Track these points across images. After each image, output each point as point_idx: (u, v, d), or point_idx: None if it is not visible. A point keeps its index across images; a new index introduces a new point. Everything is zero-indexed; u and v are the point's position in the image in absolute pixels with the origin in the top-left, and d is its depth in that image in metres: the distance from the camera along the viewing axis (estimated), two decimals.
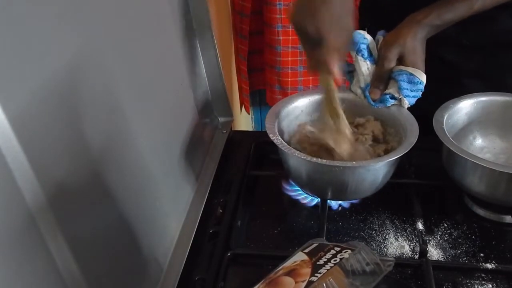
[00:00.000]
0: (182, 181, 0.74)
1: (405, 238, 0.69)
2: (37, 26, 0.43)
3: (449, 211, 0.74)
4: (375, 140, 0.74)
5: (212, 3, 1.24)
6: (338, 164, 0.65)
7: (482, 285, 0.62)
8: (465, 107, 0.76)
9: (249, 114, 1.73)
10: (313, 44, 0.64)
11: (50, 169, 0.43)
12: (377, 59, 0.73)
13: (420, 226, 0.68)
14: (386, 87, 0.73)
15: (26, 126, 0.40)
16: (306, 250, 0.57)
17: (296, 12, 0.66)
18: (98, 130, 0.52)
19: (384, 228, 0.71)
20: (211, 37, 0.85)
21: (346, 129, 0.70)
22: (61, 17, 0.47)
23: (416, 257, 0.66)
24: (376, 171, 0.67)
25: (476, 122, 0.78)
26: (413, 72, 0.70)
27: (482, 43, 0.83)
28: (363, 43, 0.72)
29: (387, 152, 0.71)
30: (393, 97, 0.72)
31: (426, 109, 0.71)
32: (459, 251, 0.67)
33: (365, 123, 0.75)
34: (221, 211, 0.74)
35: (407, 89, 0.71)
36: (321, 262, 0.54)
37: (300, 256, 0.56)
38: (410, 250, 0.68)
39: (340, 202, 0.74)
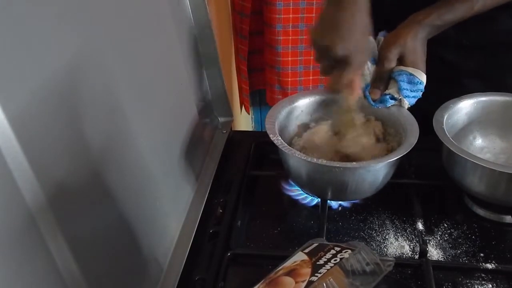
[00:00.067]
0: (182, 181, 0.74)
1: (405, 238, 0.69)
2: (37, 26, 0.43)
3: (449, 211, 0.74)
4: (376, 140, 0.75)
5: (212, 3, 1.24)
6: (338, 165, 0.65)
7: (482, 285, 0.62)
8: (465, 107, 0.76)
9: (249, 114, 1.73)
10: (336, 64, 0.67)
11: (50, 169, 0.43)
12: (378, 59, 0.73)
13: (420, 226, 0.68)
14: (386, 87, 0.73)
15: (26, 126, 0.40)
16: (306, 250, 0.57)
17: (321, 33, 0.67)
18: (98, 130, 0.52)
19: (384, 228, 0.71)
20: (211, 37, 0.85)
21: (364, 137, 0.73)
22: (61, 17, 0.47)
23: (416, 257, 0.66)
24: (376, 171, 0.67)
25: (476, 122, 0.78)
26: (413, 73, 0.70)
27: (482, 43, 0.83)
28: None
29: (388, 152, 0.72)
30: (393, 98, 0.72)
31: (426, 109, 0.71)
32: (459, 251, 0.67)
33: (366, 122, 0.75)
34: (221, 211, 0.74)
35: (407, 90, 0.71)
36: (321, 262, 0.54)
37: (300, 256, 0.56)
38: (410, 250, 0.68)
39: (340, 202, 0.74)
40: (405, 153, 0.65)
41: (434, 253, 0.67)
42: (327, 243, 0.59)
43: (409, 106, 0.73)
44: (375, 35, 0.75)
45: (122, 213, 0.55)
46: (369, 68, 0.73)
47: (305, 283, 0.51)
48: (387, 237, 0.70)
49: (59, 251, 0.42)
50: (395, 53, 0.71)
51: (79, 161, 0.48)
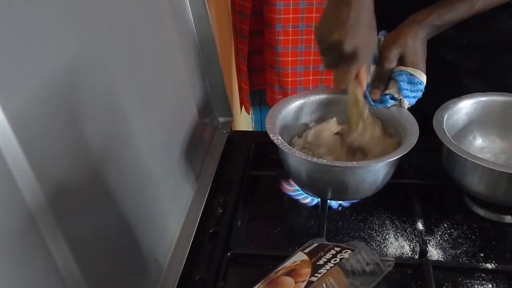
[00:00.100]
0: (182, 181, 0.74)
1: (405, 238, 0.69)
2: (37, 26, 0.43)
3: (449, 211, 0.74)
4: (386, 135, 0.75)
5: (212, 3, 1.24)
6: (338, 164, 0.65)
7: (482, 285, 0.62)
8: (465, 107, 0.76)
9: (249, 114, 1.73)
10: (342, 59, 0.68)
11: (50, 169, 0.43)
12: (378, 59, 0.73)
13: (420, 226, 0.68)
14: (386, 87, 0.73)
15: (26, 126, 0.40)
16: (306, 250, 0.57)
17: (328, 30, 0.68)
18: (98, 130, 0.52)
19: (384, 228, 0.71)
20: (211, 37, 0.85)
21: (372, 129, 0.74)
22: (61, 17, 0.47)
23: (416, 257, 0.66)
24: (376, 171, 0.67)
25: (476, 122, 0.78)
26: (413, 73, 0.70)
27: (482, 43, 0.83)
28: None
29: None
30: (393, 98, 0.73)
31: (426, 109, 0.71)
32: (459, 251, 0.67)
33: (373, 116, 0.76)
34: (221, 211, 0.74)
35: (407, 90, 0.71)
36: (321, 262, 0.54)
37: (300, 256, 0.56)
38: (410, 250, 0.68)
39: (340, 202, 0.74)
40: (405, 153, 0.65)
41: (434, 253, 0.67)
42: (327, 243, 0.59)
43: (409, 106, 0.73)
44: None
45: (122, 213, 0.55)
46: (370, 68, 0.73)
47: (305, 283, 0.51)
48: (387, 237, 0.70)
49: (59, 251, 0.42)
50: (395, 53, 0.71)
51: (79, 161, 0.48)
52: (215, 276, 0.62)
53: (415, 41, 0.71)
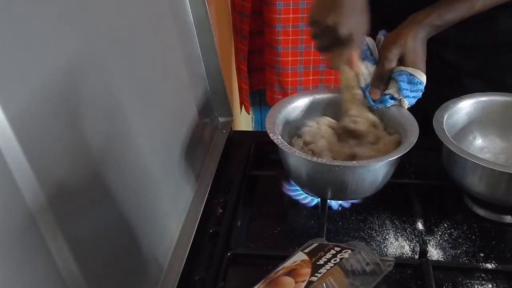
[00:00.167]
0: (182, 181, 0.74)
1: (405, 238, 0.69)
2: (37, 26, 0.43)
3: (449, 211, 0.74)
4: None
5: (212, 3, 1.24)
6: (338, 164, 0.65)
7: (482, 285, 0.62)
8: (465, 107, 0.76)
9: (249, 114, 1.73)
10: (336, 41, 0.68)
11: (50, 169, 0.43)
12: (378, 59, 0.73)
13: (420, 226, 0.68)
14: (386, 87, 0.73)
15: (26, 126, 0.40)
16: (306, 250, 0.57)
17: (323, 13, 0.68)
18: (98, 130, 0.52)
19: (384, 228, 0.71)
20: (211, 37, 0.85)
21: (366, 112, 0.74)
22: (61, 17, 0.47)
23: (416, 257, 0.66)
24: (376, 171, 0.67)
25: (476, 122, 0.78)
26: (413, 73, 0.70)
27: (482, 43, 0.83)
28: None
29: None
30: (393, 98, 0.73)
31: (426, 109, 0.71)
32: (459, 251, 0.67)
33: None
34: (221, 211, 0.74)
35: (407, 90, 0.71)
36: (321, 262, 0.54)
37: (300, 256, 0.56)
38: (410, 250, 0.68)
39: (340, 202, 0.74)
40: (404, 152, 0.65)
41: (434, 253, 0.67)
42: (327, 243, 0.59)
43: (409, 106, 0.73)
44: (375, 35, 0.75)
45: (122, 213, 0.55)
46: (369, 68, 0.73)
47: (305, 283, 0.51)
48: (387, 237, 0.70)
49: (59, 251, 0.42)
50: (395, 53, 0.71)
51: (79, 161, 0.48)
52: (215, 276, 0.62)
53: (415, 41, 0.71)
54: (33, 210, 0.40)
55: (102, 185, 0.52)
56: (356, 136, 0.73)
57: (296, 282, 0.52)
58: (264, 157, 0.86)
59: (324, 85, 1.58)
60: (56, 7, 0.46)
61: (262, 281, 0.54)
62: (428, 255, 0.65)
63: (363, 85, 0.74)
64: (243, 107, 1.67)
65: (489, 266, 0.63)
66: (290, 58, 1.51)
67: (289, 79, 1.54)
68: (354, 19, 0.67)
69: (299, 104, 0.78)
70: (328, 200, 0.72)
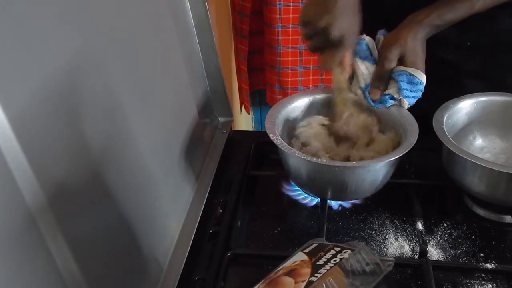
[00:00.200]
0: (182, 181, 0.74)
1: (405, 238, 0.69)
2: (37, 26, 0.43)
3: (449, 211, 0.74)
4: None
5: (212, 3, 1.24)
6: (338, 164, 0.65)
7: (482, 285, 0.62)
8: (465, 107, 0.76)
9: (249, 114, 1.73)
10: (328, 43, 0.68)
11: (50, 169, 0.43)
12: (378, 59, 0.73)
13: (420, 226, 0.68)
14: (386, 87, 0.73)
15: (26, 126, 0.40)
16: (306, 250, 0.57)
17: (315, 14, 0.68)
18: (98, 130, 0.52)
19: (384, 228, 0.71)
20: (211, 37, 0.85)
21: (360, 115, 0.75)
22: (61, 17, 0.47)
23: (416, 257, 0.66)
24: (376, 171, 0.67)
25: (476, 122, 0.78)
26: (413, 73, 0.70)
27: (482, 43, 0.83)
28: (359, 44, 0.73)
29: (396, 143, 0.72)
30: (393, 98, 0.72)
31: (426, 109, 0.71)
32: (459, 251, 0.67)
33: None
34: (221, 211, 0.74)
35: (407, 90, 0.71)
36: (321, 262, 0.54)
37: (300, 256, 0.56)
38: (410, 250, 0.68)
39: (340, 202, 0.74)
40: (404, 152, 0.65)
41: (434, 253, 0.67)
42: (327, 243, 0.59)
43: (409, 106, 0.73)
44: (375, 35, 0.75)
45: (122, 213, 0.55)
46: (369, 68, 0.73)
47: (305, 283, 0.51)
48: (387, 237, 0.70)
49: (59, 251, 0.42)
50: (395, 53, 0.71)
51: (79, 161, 0.48)
52: (215, 276, 0.62)
53: (415, 41, 0.71)
54: (33, 210, 0.40)
55: (102, 185, 0.52)
56: (348, 139, 0.73)
57: (296, 282, 0.52)
58: (264, 157, 0.86)
59: (324, 85, 1.58)
60: (56, 7, 0.46)
61: (262, 281, 0.54)
62: (428, 255, 0.65)
63: (363, 85, 0.74)
64: (243, 107, 1.67)
65: (489, 266, 0.63)
66: (290, 58, 1.51)
67: (289, 79, 1.54)
68: (345, 20, 0.67)
69: (299, 104, 0.78)
70: (328, 200, 0.72)
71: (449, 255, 0.67)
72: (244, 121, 1.73)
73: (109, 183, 0.53)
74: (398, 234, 0.70)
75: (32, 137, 0.41)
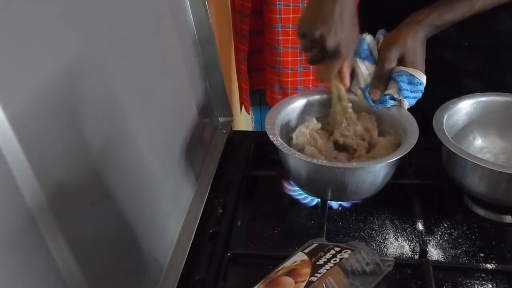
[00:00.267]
0: (182, 181, 0.74)
1: (405, 238, 0.69)
2: (37, 26, 0.43)
3: (449, 211, 0.74)
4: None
5: (212, 3, 1.24)
6: (338, 165, 0.65)
7: (482, 285, 0.62)
8: (465, 107, 0.76)
9: (249, 114, 1.73)
10: (325, 54, 0.68)
11: (50, 169, 0.43)
12: (378, 60, 0.73)
13: (420, 226, 0.68)
14: (386, 88, 0.73)
15: (26, 126, 0.40)
16: (306, 250, 0.57)
17: (311, 25, 0.68)
18: (98, 130, 0.52)
19: (384, 228, 0.71)
20: (211, 37, 0.85)
21: (359, 125, 0.74)
22: (61, 17, 0.47)
23: (416, 257, 0.66)
24: (376, 172, 0.67)
25: (476, 122, 0.78)
26: (413, 73, 0.70)
27: (482, 43, 0.83)
28: (360, 44, 0.72)
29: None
30: (393, 98, 0.72)
31: (426, 109, 0.71)
32: (459, 251, 0.67)
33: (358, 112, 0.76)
34: (221, 211, 0.74)
35: (407, 90, 0.71)
36: (321, 262, 0.54)
37: (300, 256, 0.56)
38: (410, 250, 0.68)
39: (340, 202, 0.74)
40: (405, 153, 0.65)
41: (434, 253, 0.67)
42: (327, 243, 0.59)
43: (409, 106, 0.73)
44: (375, 35, 0.75)
45: (122, 213, 0.55)
46: (369, 68, 0.73)
47: (305, 283, 0.51)
48: (387, 237, 0.70)
49: (59, 251, 0.42)
50: (395, 53, 0.71)
51: (79, 161, 0.48)
52: (215, 276, 0.62)
53: (414, 41, 0.71)
54: (33, 210, 0.40)
55: (102, 185, 0.52)
56: (347, 149, 0.73)
57: (296, 282, 0.52)
58: (264, 157, 0.86)
59: (324, 85, 1.58)
60: (56, 7, 0.46)
61: (262, 281, 0.54)
62: (428, 255, 0.65)
63: (363, 85, 0.74)
64: (243, 107, 1.67)
65: (489, 266, 0.63)
66: (290, 58, 1.51)
67: (289, 79, 1.54)
68: (341, 32, 0.66)
69: (299, 104, 0.78)
70: (328, 201, 0.72)
71: (449, 255, 0.67)
72: (244, 121, 1.73)
73: (109, 183, 0.53)
74: (398, 234, 0.70)
75: (32, 137, 0.41)
